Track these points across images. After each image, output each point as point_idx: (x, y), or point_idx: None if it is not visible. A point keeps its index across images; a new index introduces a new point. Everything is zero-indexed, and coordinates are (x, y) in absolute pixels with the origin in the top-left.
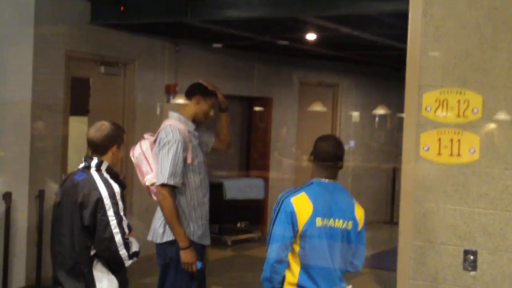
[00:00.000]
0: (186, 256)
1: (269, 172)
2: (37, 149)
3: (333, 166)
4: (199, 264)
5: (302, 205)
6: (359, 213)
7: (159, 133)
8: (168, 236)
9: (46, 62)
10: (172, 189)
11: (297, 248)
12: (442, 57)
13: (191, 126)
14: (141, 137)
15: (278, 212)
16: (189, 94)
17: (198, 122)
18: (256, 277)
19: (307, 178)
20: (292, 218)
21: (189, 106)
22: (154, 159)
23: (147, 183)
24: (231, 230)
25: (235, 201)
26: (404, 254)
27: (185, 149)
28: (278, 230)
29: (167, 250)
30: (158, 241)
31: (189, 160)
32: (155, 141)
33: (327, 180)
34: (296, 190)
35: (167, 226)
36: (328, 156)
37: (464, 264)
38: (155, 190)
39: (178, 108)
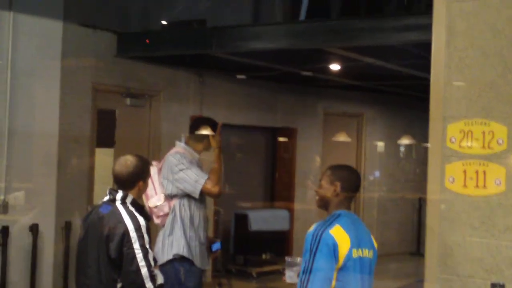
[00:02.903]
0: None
1: (294, 203)
2: (63, 181)
3: (353, 197)
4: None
5: (341, 237)
6: (374, 241)
7: (165, 159)
8: (166, 257)
9: (73, 94)
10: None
11: (333, 282)
12: (466, 87)
13: (196, 156)
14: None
15: (318, 246)
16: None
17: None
18: None
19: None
20: (334, 251)
21: (201, 143)
22: (160, 184)
23: (151, 205)
24: (256, 262)
25: (260, 232)
26: (430, 287)
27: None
28: (320, 264)
29: (165, 270)
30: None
31: None
32: (161, 168)
33: (350, 211)
34: (327, 223)
35: (165, 248)
36: (356, 187)
37: None
38: (158, 213)
39: (186, 137)
